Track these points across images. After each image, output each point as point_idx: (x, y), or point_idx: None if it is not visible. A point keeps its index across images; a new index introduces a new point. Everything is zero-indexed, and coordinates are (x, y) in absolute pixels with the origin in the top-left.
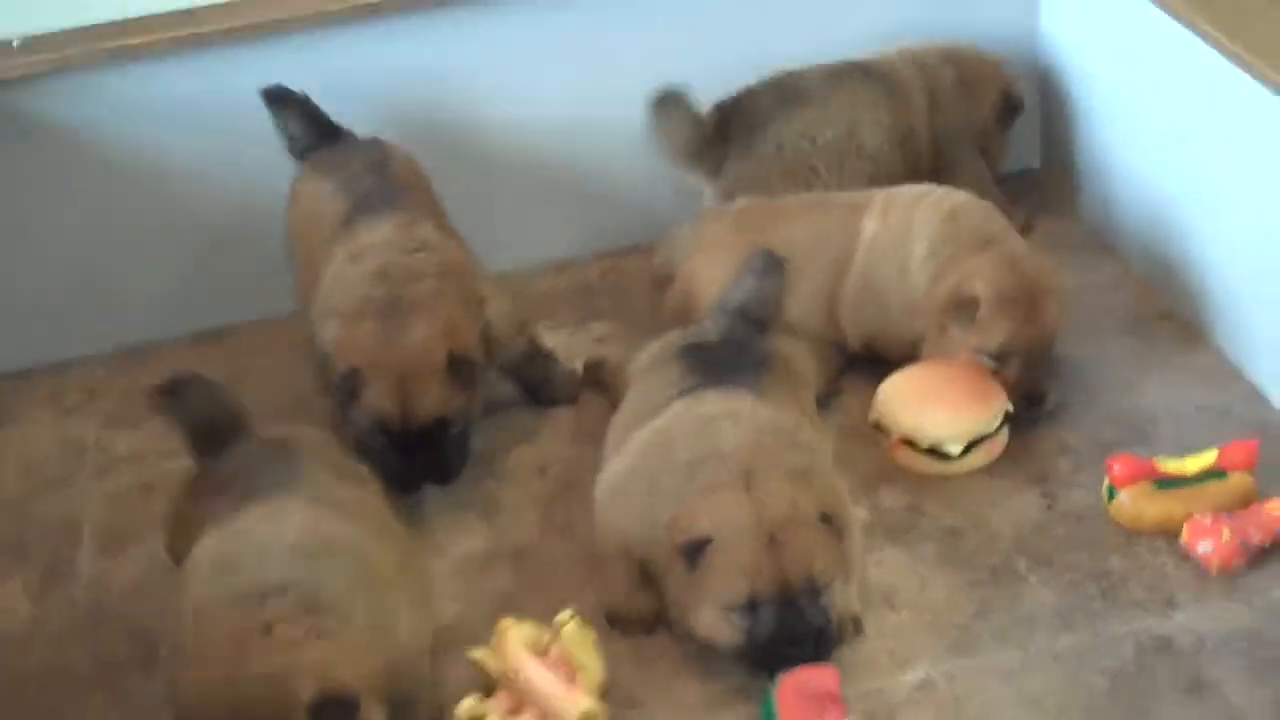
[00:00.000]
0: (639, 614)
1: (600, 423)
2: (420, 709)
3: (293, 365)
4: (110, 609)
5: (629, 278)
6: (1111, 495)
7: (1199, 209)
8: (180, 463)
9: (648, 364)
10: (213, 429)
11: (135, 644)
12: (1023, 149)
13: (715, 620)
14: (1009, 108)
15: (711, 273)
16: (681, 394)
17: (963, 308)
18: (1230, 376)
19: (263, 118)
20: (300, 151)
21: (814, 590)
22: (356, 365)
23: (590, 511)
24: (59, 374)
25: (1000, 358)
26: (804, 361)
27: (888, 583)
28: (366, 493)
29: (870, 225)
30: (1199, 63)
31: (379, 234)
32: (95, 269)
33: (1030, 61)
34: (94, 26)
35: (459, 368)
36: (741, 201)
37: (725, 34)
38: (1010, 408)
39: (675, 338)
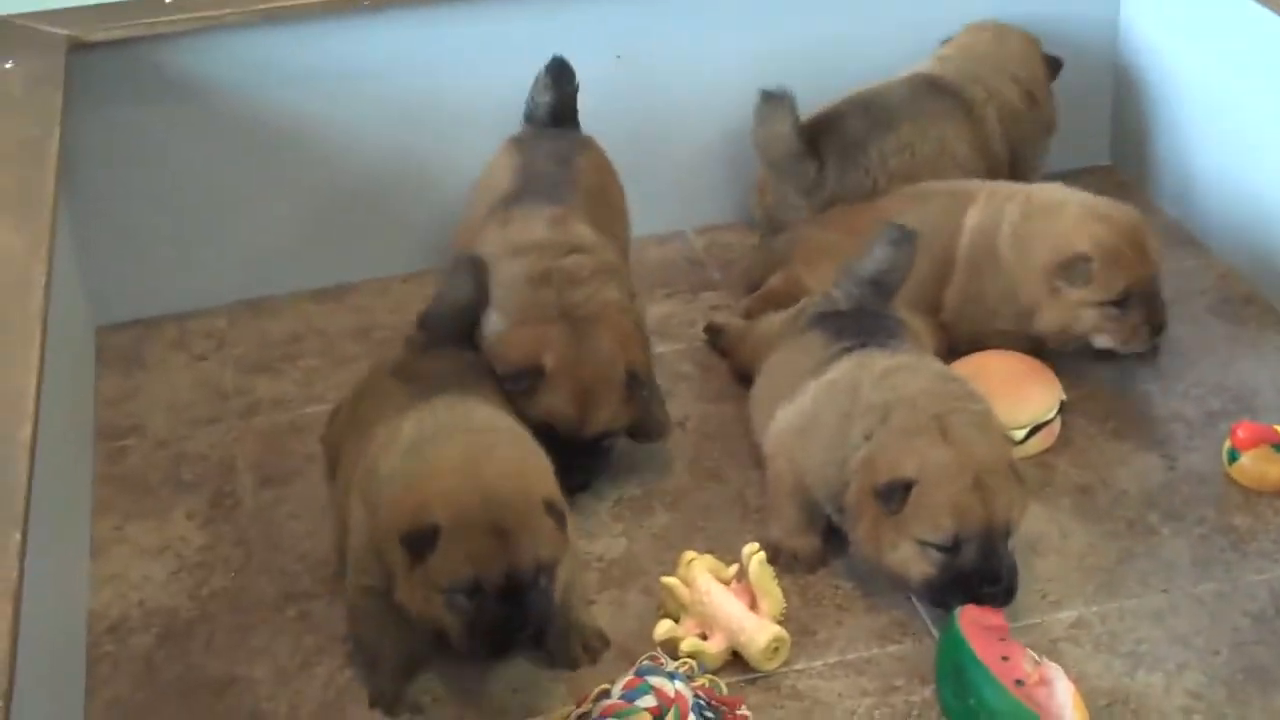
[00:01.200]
0: (806, 552)
1: (725, 382)
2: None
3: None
4: (283, 538)
5: (733, 250)
6: (1233, 458)
7: None
8: (323, 408)
9: (779, 334)
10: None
11: (315, 572)
12: (1092, 146)
13: (911, 555)
14: (1052, 70)
15: (820, 281)
16: (842, 353)
17: (1072, 266)
18: None
19: (400, 83)
20: (533, 122)
21: (1008, 534)
22: (542, 365)
23: (737, 460)
24: (182, 322)
25: (1121, 303)
26: (925, 333)
27: (1032, 532)
28: None
29: (973, 217)
30: None
31: (535, 231)
32: (222, 223)
33: (1109, 57)
34: None
35: (632, 383)
36: (837, 208)
37: (813, 16)
38: (1064, 396)
39: (806, 306)
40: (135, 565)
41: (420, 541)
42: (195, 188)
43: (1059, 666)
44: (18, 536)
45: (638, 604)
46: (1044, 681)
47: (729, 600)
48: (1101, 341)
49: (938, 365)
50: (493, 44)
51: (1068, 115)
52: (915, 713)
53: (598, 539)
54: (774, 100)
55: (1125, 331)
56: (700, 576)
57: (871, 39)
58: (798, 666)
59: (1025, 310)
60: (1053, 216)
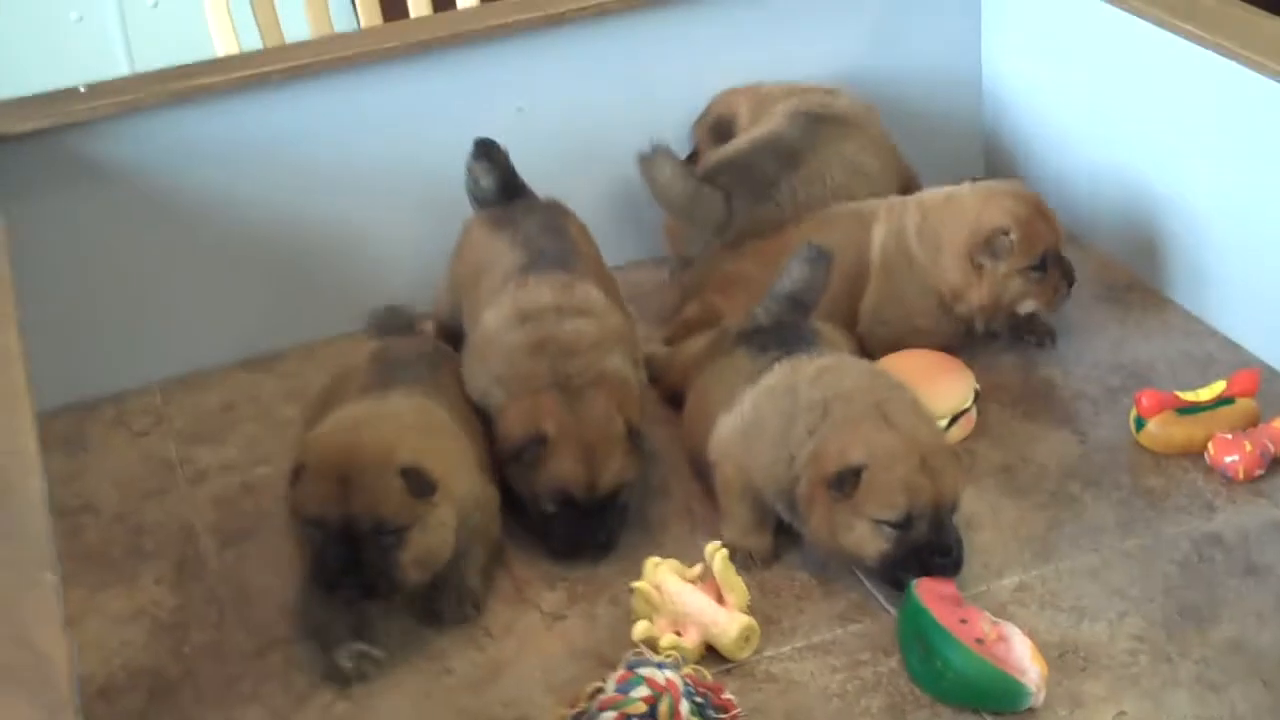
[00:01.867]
0: (760, 549)
1: (655, 407)
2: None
3: None
4: (251, 593)
5: (643, 286)
6: (1140, 425)
7: (1160, 185)
8: (270, 469)
9: (705, 355)
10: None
11: (290, 620)
12: (965, 160)
13: (866, 534)
14: None
15: (735, 308)
16: (772, 362)
17: (994, 240)
18: (1203, 330)
19: (313, 152)
20: (483, 202)
21: (953, 509)
22: (544, 433)
23: (679, 476)
24: (118, 402)
25: (1040, 266)
26: (840, 340)
27: (965, 511)
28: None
29: (879, 232)
30: (1148, 44)
31: (544, 296)
32: (149, 302)
33: (975, 75)
34: (157, 71)
35: (633, 435)
36: (749, 240)
37: (700, 62)
38: (978, 386)
39: (729, 328)
40: (112, 631)
41: (293, 475)
42: (121, 269)
43: (1013, 625)
44: (52, 577)
45: (607, 614)
46: (1002, 638)
47: (698, 597)
48: (1028, 306)
49: (864, 363)
50: (401, 105)
51: (942, 133)
52: (884, 681)
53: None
54: (649, 159)
55: (1048, 292)
56: (667, 579)
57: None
58: (767, 653)
59: (948, 301)
60: (955, 205)
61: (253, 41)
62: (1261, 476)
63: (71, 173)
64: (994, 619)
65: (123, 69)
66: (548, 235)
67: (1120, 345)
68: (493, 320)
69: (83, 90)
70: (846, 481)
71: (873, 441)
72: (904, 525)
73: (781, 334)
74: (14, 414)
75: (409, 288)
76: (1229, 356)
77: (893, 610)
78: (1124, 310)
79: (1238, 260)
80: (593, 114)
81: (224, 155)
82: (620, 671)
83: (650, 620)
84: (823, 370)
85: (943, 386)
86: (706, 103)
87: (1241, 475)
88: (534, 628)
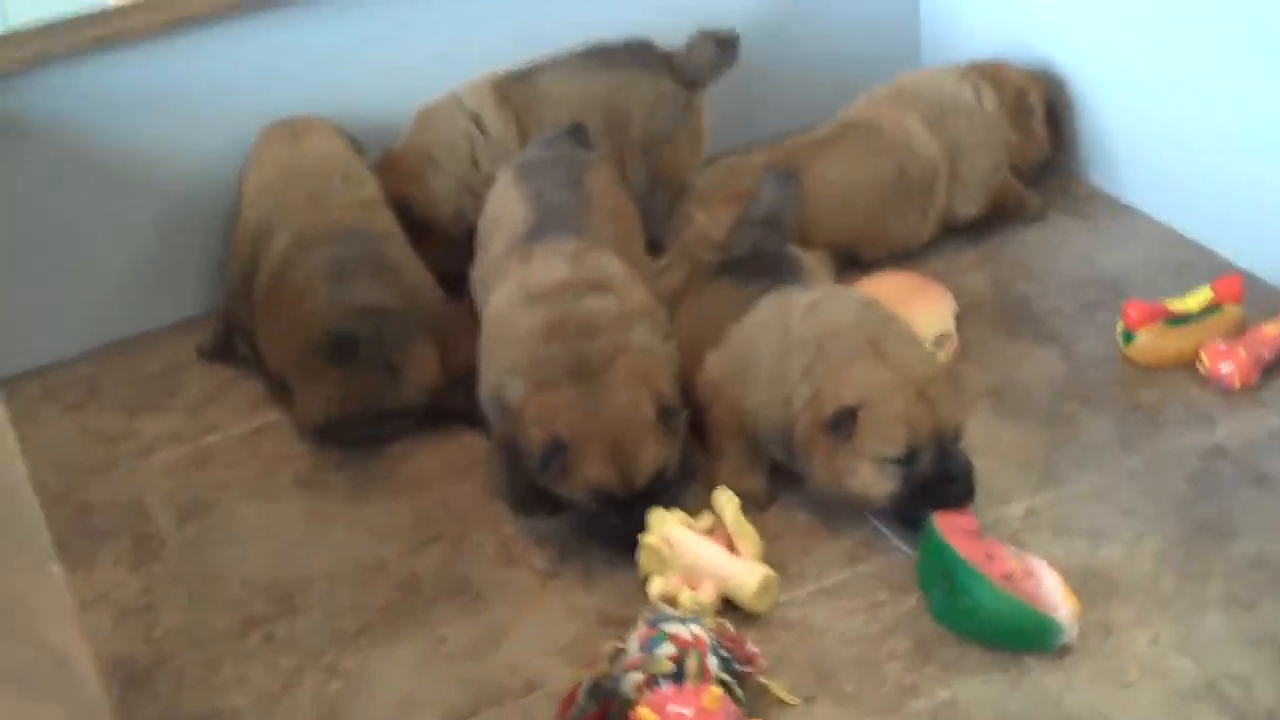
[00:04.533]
0: (755, 491)
1: None
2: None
3: None
4: (219, 569)
5: None
6: (1128, 339)
7: (1111, 87)
8: (221, 436)
9: (684, 290)
10: None
11: (265, 595)
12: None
13: (871, 475)
14: None
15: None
16: (758, 294)
17: (1023, 102)
18: (1172, 238)
19: (244, 100)
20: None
21: (957, 436)
22: (559, 436)
23: None
24: (43, 376)
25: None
26: (818, 266)
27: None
28: None
29: (912, 121)
30: None
31: (555, 270)
32: (76, 265)
33: None
34: (69, 19)
35: (666, 417)
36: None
37: None
38: (956, 308)
39: (704, 259)
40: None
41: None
42: (43, 232)
43: (1040, 559)
44: (56, 568)
45: (604, 570)
46: (1030, 574)
47: (709, 549)
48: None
49: (855, 294)
50: (323, 51)
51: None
52: (905, 622)
53: (551, 520)
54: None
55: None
56: (676, 531)
57: None
58: (780, 600)
59: (1015, 160)
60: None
61: None
62: (1258, 385)
63: None
64: (1018, 552)
65: None
66: (563, 191)
67: (1089, 259)
68: (505, 305)
69: None
70: (844, 423)
71: (866, 379)
72: (908, 460)
73: (763, 262)
74: None
75: None
76: (1205, 263)
77: (903, 546)
78: (1089, 222)
79: (1206, 163)
80: None
81: (149, 104)
82: (641, 629)
83: (661, 576)
84: (813, 305)
85: (923, 310)
86: None
87: (1238, 384)
88: (527, 587)
